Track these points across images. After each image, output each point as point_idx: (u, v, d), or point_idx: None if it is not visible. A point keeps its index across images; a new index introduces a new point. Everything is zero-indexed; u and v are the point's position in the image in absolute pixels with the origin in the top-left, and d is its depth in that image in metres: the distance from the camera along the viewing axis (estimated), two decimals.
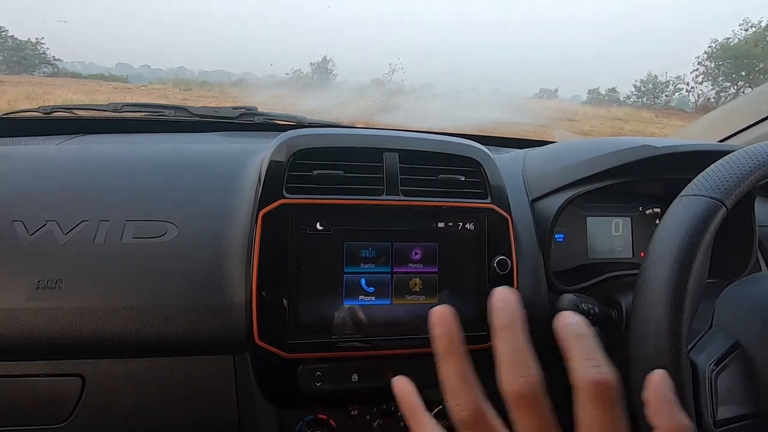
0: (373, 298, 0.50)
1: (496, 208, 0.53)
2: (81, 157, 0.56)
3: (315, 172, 0.50)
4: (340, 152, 0.52)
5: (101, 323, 0.47)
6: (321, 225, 0.49)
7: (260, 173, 0.50)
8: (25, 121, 0.71)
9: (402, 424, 0.54)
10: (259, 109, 0.88)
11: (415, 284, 0.51)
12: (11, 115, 0.71)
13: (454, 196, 0.53)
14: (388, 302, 0.50)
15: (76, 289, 0.46)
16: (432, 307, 0.53)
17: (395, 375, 0.51)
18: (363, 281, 0.50)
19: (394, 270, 0.51)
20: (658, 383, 0.23)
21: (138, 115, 0.78)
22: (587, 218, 0.67)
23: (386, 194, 0.51)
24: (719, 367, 0.39)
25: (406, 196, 0.51)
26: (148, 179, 0.53)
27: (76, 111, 0.74)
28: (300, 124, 0.87)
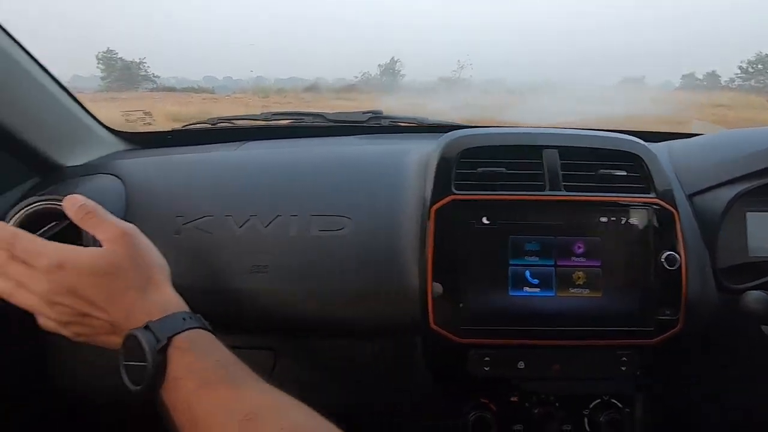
0: (537, 289, 0.52)
1: (662, 202, 0.53)
2: (261, 161, 0.64)
3: (479, 169, 0.54)
4: (503, 150, 0.55)
5: (297, 304, 0.54)
6: (487, 219, 0.52)
7: (428, 171, 0.54)
8: (198, 132, 0.83)
9: (561, 414, 0.55)
10: (384, 113, 0.93)
11: (579, 277, 0.52)
12: (188, 127, 0.83)
13: (616, 191, 0.53)
14: (552, 294, 0.52)
15: (279, 274, 0.53)
16: (596, 301, 0.54)
17: (560, 366, 0.54)
18: (528, 273, 0.52)
19: (558, 263, 0.52)
20: None
21: (284, 122, 0.87)
22: (747, 213, 0.63)
23: (549, 190, 0.53)
24: None
25: (568, 191, 0.53)
26: (324, 179, 0.59)
27: (235, 121, 0.85)
28: (422, 125, 0.91)
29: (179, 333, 0.40)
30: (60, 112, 0.64)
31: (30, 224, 0.50)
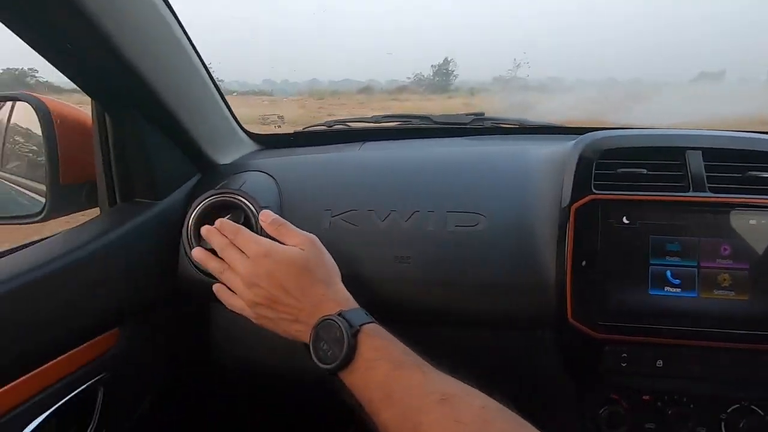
0: (678, 290, 0.53)
1: None
2: (390, 160, 0.69)
3: (619, 170, 0.55)
4: (644, 151, 0.55)
5: (435, 293, 0.58)
6: (627, 219, 0.54)
7: (566, 171, 0.56)
8: (316, 133, 0.90)
9: (696, 416, 0.55)
10: (486, 114, 0.96)
11: (724, 279, 0.52)
12: (308, 129, 0.90)
13: (766, 193, 0.52)
14: (695, 295, 0.52)
15: (420, 265, 0.58)
16: (742, 303, 0.53)
17: (701, 367, 0.54)
18: (669, 273, 0.53)
19: (701, 264, 0.52)
20: None
21: (392, 124, 0.92)
22: None
23: (692, 191, 0.53)
24: None
25: (714, 192, 0.53)
26: (457, 178, 0.63)
27: (349, 123, 0.91)
28: (524, 126, 0.93)
29: (367, 323, 0.46)
30: (218, 113, 0.72)
31: (209, 213, 0.59)
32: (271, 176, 0.66)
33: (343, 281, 0.58)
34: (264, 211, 0.56)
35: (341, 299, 0.49)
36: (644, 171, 0.55)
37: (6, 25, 0.42)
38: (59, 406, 0.50)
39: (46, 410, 0.49)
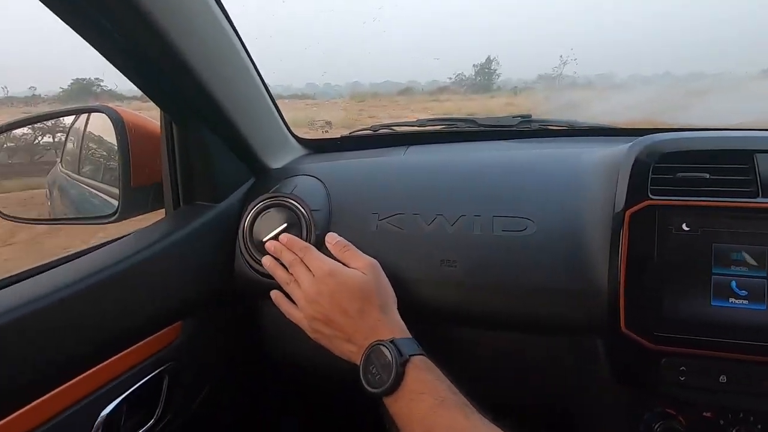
0: (745, 301, 0.50)
1: None
2: (434, 164, 0.70)
3: (679, 174, 0.53)
4: (708, 154, 0.53)
5: (482, 297, 0.58)
6: (687, 226, 0.51)
7: (621, 175, 0.55)
8: (361, 137, 0.92)
9: None
10: (533, 116, 0.94)
11: None
12: (354, 133, 0.92)
13: None
14: (764, 307, 0.49)
15: (467, 269, 0.58)
16: None
17: None
18: (734, 284, 0.50)
19: None
20: None
21: (437, 127, 0.92)
22: None
23: (762, 197, 0.50)
24: None
25: None
26: (504, 182, 0.63)
27: (393, 127, 0.92)
28: (573, 128, 0.90)
29: (416, 355, 0.47)
30: (271, 120, 0.76)
31: (261, 213, 0.63)
32: (320, 180, 0.69)
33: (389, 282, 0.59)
34: (330, 233, 0.60)
35: (395, 327, 0.51)
36: (707, 176, 0.52)
37: (93, 46, 0.47)
38: (131, 391, 0.54)
39: (119, 396, 0.53)
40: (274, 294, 0.59)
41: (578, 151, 0.67)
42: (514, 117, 0.93)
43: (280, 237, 0.60)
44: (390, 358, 0.46)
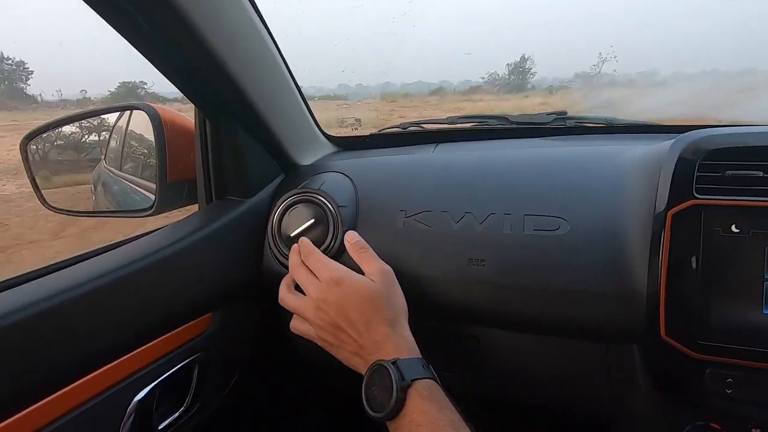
0: None
1: None
2: (464, 161, 0.68)
3: (728, 172, 0.49)
4: (760, 151, 0.49)
5: (512, 298, 0.56)
6: (737, 227, 0.48)
7: (663, 173, 0.52)
8: (390, 135, 0.92)
9: None
10: (568, 113, 0.91)
11: None
12: (383, 131, 0.92)
13: None
14: None
15: (496, 268, 0.56)
16: None
17: None
18: None
19: None
20: None
21: (467, 125, 0.91)
22: None
23: None
24: None
25: None
26: (536, 180, 0.60)
27: (423, 125, 0.91)
28: (611, 125, 0.86)
29: (420, 379, 0.44)
30: (301, 118, 0.77)
31: (290, 209, 0.63)
32: (348, 177, 0.69)
33: (415, 280, 0.58)
34: (350, 231, 0.59)
35: (402, 344, 0.48)
36: (760, 174, 0.48)
37: (134, 46, 0.49)
38: (162, 379, 0.56)
39: (152, 382, 0.55)
40: (285, 299, 0.56)
41: (616, 148, 0.64)
42: (548, 114, 0.90)
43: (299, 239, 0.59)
44: (391, 381, 0.42)
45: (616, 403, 0.57)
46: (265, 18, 0.63)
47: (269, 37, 0.65)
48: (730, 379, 0.48)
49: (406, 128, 0.91)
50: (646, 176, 0.55)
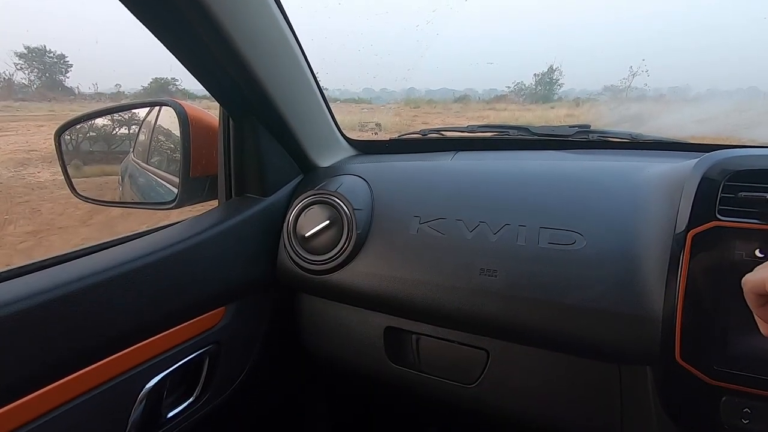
0: None
1: None
2: (482, 171, 0.68)
3: (750, 194, 0.48)
4: None
5: (522, 311, 0.55)
6: (762, 252, 0.46)
7: (685, 193, 0.50)
8: (410, 141, 0.92)
9: None
10: (592, 127, 0.89)
11: None
12: (403, 137, 0.93)
13: None
14: None
15: (508, 280, 0.56)
16: None
17: None
18: None
19: None
20: None
21: (488, 134, 0.90)
22: None
23: None
24: None
25: None
26: (554, 192, 0.60)
27: (444, 132, 0.91)
28: (636, 141, 0.84)
29: None
30: (323, 121, 0.78)
31: (306, 209, 0.64)
32: (365, 180, 0.69)
33: (428, 288, 0.58)
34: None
35: None
36: None
37: (164, 45, 0.51)
38: (173, 369, 0.58)
39: (164, 371, 0.57)
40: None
41: (638, 164, 0.62)
42: (571, 126, 0.89)
43: None
44: None
45: (626, 425, 0.56)
46: (291, 21, 0.65)
47: (295, 40, 0.66)
48: (747, 409, 0.46)
49: (425, 135, 0.91)
50: (667, 195, 0.54)
